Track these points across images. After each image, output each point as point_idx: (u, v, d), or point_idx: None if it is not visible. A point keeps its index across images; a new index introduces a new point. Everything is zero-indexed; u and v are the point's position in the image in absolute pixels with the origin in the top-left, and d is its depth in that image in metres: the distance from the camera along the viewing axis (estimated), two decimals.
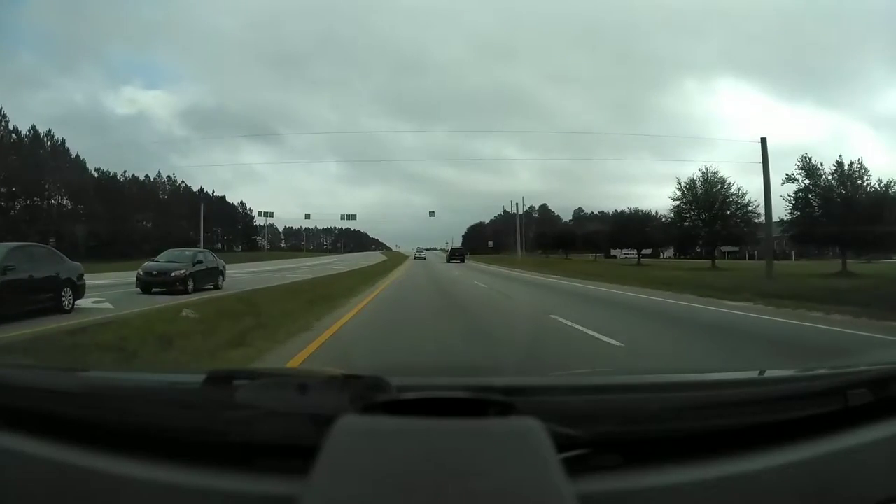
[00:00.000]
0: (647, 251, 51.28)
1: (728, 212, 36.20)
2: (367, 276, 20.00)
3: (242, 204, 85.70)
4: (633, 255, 50.29)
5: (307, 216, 55.92)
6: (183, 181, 73.00)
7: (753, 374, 1.23)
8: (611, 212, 77.90)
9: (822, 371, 1.18)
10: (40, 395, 0.93)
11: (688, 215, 37.82)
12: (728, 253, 44.14)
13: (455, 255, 48.27)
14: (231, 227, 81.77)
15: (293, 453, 0.73)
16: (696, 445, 0.81)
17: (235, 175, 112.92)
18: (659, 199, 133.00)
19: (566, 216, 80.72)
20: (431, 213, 56.34)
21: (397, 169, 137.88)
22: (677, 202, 38.10)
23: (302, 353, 5.46)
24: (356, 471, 0.62)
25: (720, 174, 36.61)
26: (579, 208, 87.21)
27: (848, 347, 6.15)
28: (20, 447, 0.82)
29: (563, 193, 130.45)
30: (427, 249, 67.74)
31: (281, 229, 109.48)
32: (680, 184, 37.98)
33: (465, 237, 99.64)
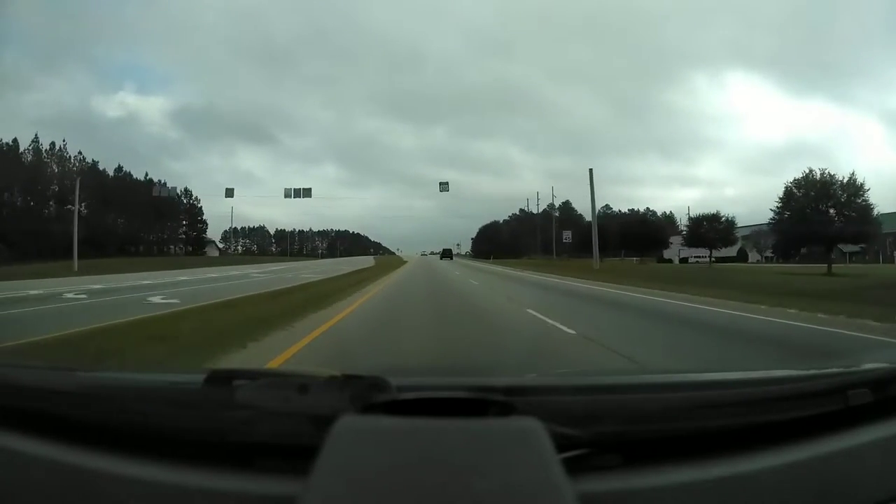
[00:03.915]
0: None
1: None
2: None
3: (187, 192, 65.36)
4: (703, 257, 42.17)
5: (229, 192, 42.77)
6: (80, 152, 55.91)
7: (753, 374, 1.23)
8: (638, 210, 75.96)
9: (822, 371, 1.18)
10: (40, 394, 0.93)
11: None
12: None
13: (445, 255, 65.72)
14: (177, 222, 64.95)
15: (293, 453, 0.73)
16: (696, 445, 0.81)
17: (231, 178, 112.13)
18: (668, 201, 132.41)
19: (586, 216, 77.37)
20: (443, 186, 43.30)
21: (399, 171, 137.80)
22: None
23: None
24: (356, 471, 0.62)
25: None
26: (606, 205, 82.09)
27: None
28: (20, 447, 0.81)
29: (569, 194, 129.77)
30: (431, 253, 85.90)
31: (272, 232, 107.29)
32: None
33: (475, 239, 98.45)
